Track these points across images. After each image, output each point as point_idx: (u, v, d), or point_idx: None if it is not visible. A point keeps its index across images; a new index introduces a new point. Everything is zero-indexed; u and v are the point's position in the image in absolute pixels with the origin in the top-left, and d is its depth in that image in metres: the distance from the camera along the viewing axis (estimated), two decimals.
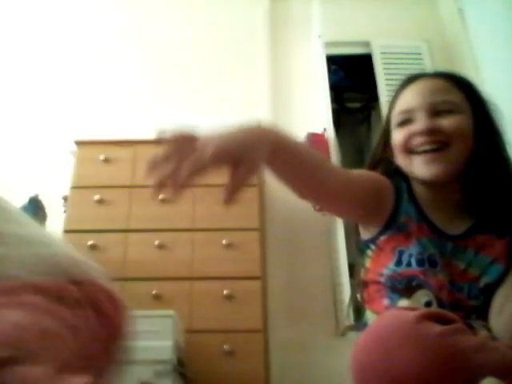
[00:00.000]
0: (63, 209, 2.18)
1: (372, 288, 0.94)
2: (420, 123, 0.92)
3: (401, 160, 0.97)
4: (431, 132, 0.91)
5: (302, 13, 2.91)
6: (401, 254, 0.92)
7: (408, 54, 2.81)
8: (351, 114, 3.32)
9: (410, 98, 0.97)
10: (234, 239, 2.03)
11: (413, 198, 0.96)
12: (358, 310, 1.05)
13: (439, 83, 0.97)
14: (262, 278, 2.02)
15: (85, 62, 2.91)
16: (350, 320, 1.92)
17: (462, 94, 0.96)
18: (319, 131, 2.38)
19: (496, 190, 0.92)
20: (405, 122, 0.96)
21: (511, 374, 0.64)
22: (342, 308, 2.07)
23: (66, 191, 2.16)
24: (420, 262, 0.89)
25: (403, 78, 1.03)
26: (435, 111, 0.92)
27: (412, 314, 0.64)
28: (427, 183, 0.95)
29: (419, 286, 0.88)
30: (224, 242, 2.01)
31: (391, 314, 0.71)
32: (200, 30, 2.96)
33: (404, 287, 0.89)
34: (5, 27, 3.00)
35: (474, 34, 2.60)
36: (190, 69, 2.86)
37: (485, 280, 0.86)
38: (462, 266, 0.88)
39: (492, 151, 0.94)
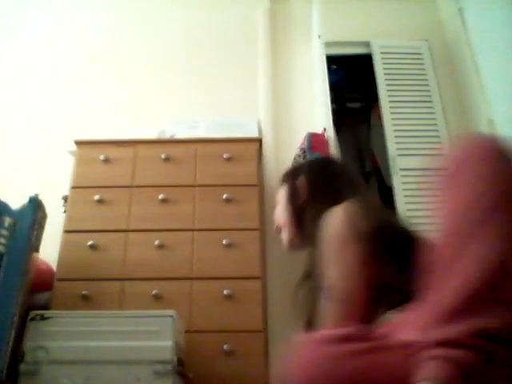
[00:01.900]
0: (63, 209, 2.18)
1: None
2: None
3: None
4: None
5: (301, 13, 2.91)
6: None
7: (408, 54, 2.81)
8: (351, 114, 3.33)
9: None
10: (234, 239, 2.02)
11: None
12: None
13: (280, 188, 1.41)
14: (262, 278, 2.02)
15: (85, 61, 2.91)
16: None
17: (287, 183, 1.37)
18: (319, 131, 2.38)
19: None
20: None
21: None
22: None
23: (66, 191, 2.16)
24: None
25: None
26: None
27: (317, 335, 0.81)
28: None
29: None
30: (224, 242, 2.01)
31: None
32: (200, 30, 2.96)
33: None
34: (5, 26, 3.00)
35: (473, 34, 2.60)
36: (190, 69, 2.86)
37: None
38: None
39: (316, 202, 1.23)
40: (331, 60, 2.80)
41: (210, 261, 1.99)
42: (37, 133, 2.69)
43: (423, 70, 2.75)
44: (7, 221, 1.70)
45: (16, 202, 1.80)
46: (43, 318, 1.62)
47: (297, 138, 2.43)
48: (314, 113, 2.67)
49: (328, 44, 2.53)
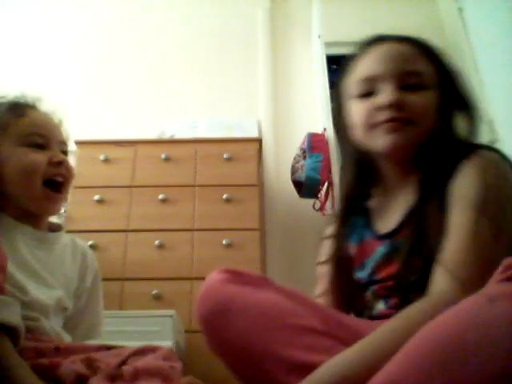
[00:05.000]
0: (63, 209, 2.18)
1: None
2: (386, 95, 0.80)
3: (360, 136, 0.87)
4: (399, 107, 0.80)
5: (302, 13, 2.90)
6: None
7: None
8: None
9: (373, 64, 0.84)
10: (234, 239, 2.02)
11: (366, 213, 0.94)
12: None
13: (407, 49, 0.86)
14: None
15: (85, 61, 2.91)
16: None
17: (430, 63, 0.87)
18: (319, 131, 2.38)
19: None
20: (367, 92, 0.84)
21: None
22: None
23: None
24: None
25: (361, 41, 0.90)
26: (402, 82, 0.82)
27: None
28: (387, 166, 0.89)
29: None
30: (224, 242, 2.01)
31: None
32: (200, 30, 2.96)
33: None
34: (6, 24, 3.00)
35: (473, 34, 2.60)
36: (190, 69, 2.86)
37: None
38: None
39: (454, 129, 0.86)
40: (331, 60, 2.80)
41: (210, 261, 1.99)
42: None
43: None
44: None
45: None
46: None
47: (297, 138, 2.43)
48: (314, 113, 2.67)
49: (328, 44, 2.53)
